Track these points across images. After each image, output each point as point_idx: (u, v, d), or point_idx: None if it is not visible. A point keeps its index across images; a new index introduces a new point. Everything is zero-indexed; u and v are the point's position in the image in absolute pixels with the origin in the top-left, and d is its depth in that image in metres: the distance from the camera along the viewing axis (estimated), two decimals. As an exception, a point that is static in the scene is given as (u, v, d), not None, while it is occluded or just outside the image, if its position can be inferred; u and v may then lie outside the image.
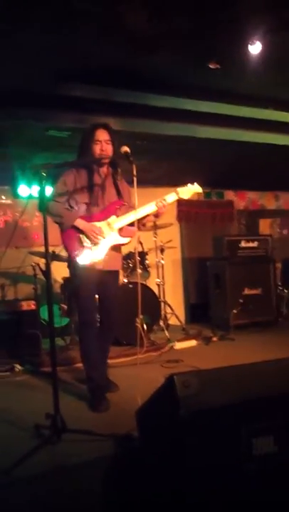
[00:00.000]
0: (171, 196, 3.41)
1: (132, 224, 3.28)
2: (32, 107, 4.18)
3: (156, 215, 3.42)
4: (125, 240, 3.34)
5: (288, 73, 4.25)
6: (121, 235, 3.32)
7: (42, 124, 4.49)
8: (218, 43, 3.66)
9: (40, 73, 3.87)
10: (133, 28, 3.35)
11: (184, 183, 3.51)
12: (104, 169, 3.35)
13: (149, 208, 3.33)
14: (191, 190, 3.48)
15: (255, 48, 3.62)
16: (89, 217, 3.25)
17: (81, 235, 3.21)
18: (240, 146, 5.50)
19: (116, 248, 3.36)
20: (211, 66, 4.00)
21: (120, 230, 3.32)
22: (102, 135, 3.25)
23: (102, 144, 3.23)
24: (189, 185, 3.50)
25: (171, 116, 4.75)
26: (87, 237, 3.21)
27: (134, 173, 3.06)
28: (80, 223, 3.20)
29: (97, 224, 3.25)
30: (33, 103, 4.12)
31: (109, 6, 3.08)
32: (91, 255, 3.20)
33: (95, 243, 3.21)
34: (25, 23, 3.17)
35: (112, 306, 3.43)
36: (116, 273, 3.45)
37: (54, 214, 3.21)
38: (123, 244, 3.38)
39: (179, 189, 3.46)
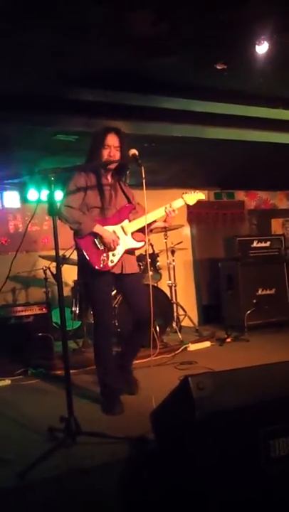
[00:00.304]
0: (177, 202, 3.46)
1: (141, 229, 3.30)
2: (40, 112, 4.19)
3: (166, 220, 3.44)
4: (139, 244, 3.37)
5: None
6: (135, 239, 3.35)
7: (50, 129, 4.50)
8: (224, 43, 3.65)
9: (47, 77, 3.88)
10: (140, 30, 3.35)
11: (193, 185, 3.55)
12: (110, 174, 3.36)
13: (158, 213, 3.37)
14: (195, 197, 3.55)
15: (262, 48, 3.61)
16: (102, 221, 3.24)
17: (96, 239, 3.20)
18: (250, 146, 5.47)
19: (130, 252, 3.37)
20: (218, 67, 3.99)
21: (132, 234, 3.34)
22: (112, 140, 3.23)
23: (111, 150, 3.22)
24: (193, 192, 3.57)
25: (179, 118, 4.74)
26: (104, 242, 3.20)
27: (143, 175, 3.07)
28: (98, 229, 3.19)
29: (111, 228, 3.25)
30: (41, 107, 4.13)
31: (117, 9, 3.08)
32: (107, 259, 3.20)
33: (111, 249, 3.22)
34: (33, 28, 3.19)
35: (142, 309, 3.27)
36: (136, 275, 3.44)
37: (71, 221, 3.18)
38: (137, 248, 3.40)
39: (185, 195, 3.52)
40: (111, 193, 3.30)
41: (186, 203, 3.52)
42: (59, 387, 3.73)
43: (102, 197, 3.25)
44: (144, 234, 3.24)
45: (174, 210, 3.37)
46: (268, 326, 5.99)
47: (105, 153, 3.22)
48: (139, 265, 5.42)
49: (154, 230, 3.64)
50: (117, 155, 3.23)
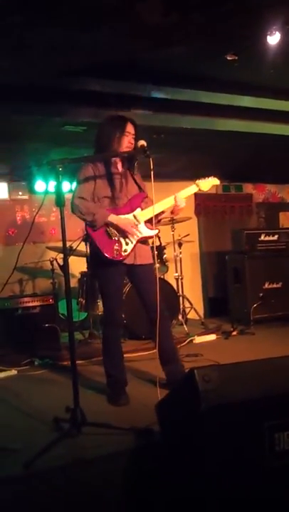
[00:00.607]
0: (190, 189, 3.40)
1: (149, 220, 3.24)
2: (48, 102, 4.18)
3: (173, 211, 3.38)
4: (154, 232, 3.29)
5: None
6: (148, 227, 3.26)
7: (58, 119, 4.49)
8: (235, 34, 3.60)
9: (55, 68, 3.87)
10: (149, 21, 3.32)
11: (201, 177, 3.50)
12: (121, 163, 3.30)
13: (168, 202, 3.30)
14: (210, 182, 3.48)
15: (273, 39, 3.56)
16: (114, 211, 3.17)
17: (108, 229, 3.14)
18: (259, 138, 5.43)
19: (144, 241, 3.30)
20: (228, 58, 3.95)
21: (147, 222, 3.26)
22: (130, 128, 3.19)
23: (130, 138, 3.18)
24: (208, 177, 3.50)
25: (189, 109, 4.70)
26: (120, 231, 3.14)
27: (152, 167, 3.04)
28: (113, 219, 3.13)
29: (124, 217, 3.19)
30: (49, 98, 4.12)
31: (126, 0, 3.05)
32: (120, 248, 3.15)
33: (129, 237, 3.16)
34: (41, 18, 3.17)
35: (154, 301, 3.12)
36: (150, 266, 3.31)
37: (84, 212, 3.12)
38: (151, 237, 3.32)
39: (199, 181, 3.45)
40: (122, 182, 3.24)
41: (200, 189, 3.45)
42: (65, 377, 3.75)
43: (112, 186, 3.19)
44: (169, 220, 3.18)
45: (178, 205, 3.31)
46: (274, 319, 5.98)
47: (126, 140, 3.16)
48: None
49: (162, 220, 3.57)
50: (133, 143, 3.18)
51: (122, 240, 3.16)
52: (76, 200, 3.12)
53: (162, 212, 3.34)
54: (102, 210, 3.17)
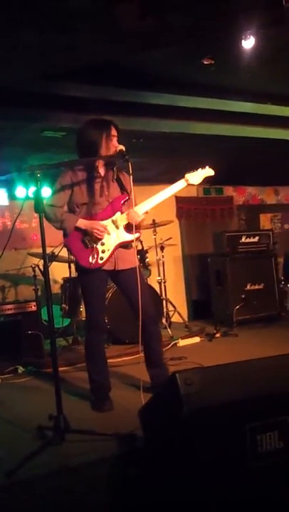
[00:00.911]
0: (179, 184, 3.24)
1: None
2: (27, 108, 4.16)
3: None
4: (132, 237, 3.16)
5: (283, 67, 4.23)
6: (128, 232, 3.17)
7: (37, 125, 4.47)
8: (211, 38, 3.63)
9: (34, 73, 3.85)
10: (126, 25, 3.33)
11: (190, 170, 3.28)
12: (104, 166, 3.25)
13: (151, 202, 3.21)
14: (201, 175, 3.27)
15: (248, 43, 3.60)
16: (91, 218, 3.14)
17: (85, 237, 3.12)
18: (238, 142, 5.48)
19: (126, 245, 3.21)
20: (205, 62, 3.99)
21: (126, 226, 3.17)
22: (114, 131, 3.17)
23: (115, 140, 3.15)
24: (200, 169, 3.28)
25: (167, 114, 4.72)
26: (91, 236, 3.10)
27: (131, 171, 3.04)
28: (81, 223, 3.11)
29: (101, 223, 3.13)
30: (28, 103, 4.10)
31: (103, 3, 3.06)
32: (96, 256, 3.11)
33: (100, 241, 3.10)
34: (19, 23, 3.16)
35: (142, 304, 3.03)
36: (133, 270, 3.16)
37: (53, 220, 3.12)
38: (130, 241, 3.20)
39: (188, 175, 3.25)
40: (102, 185, 3.18)
41: (188, 184, 3.24)
42: (49, 384, 3.72)
43: (90, 192, 3.15)
44: (151, 223, 3.07)
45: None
46: (256, 321, 6.02)
47: (114, 143, 3.13)
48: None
49: (141, 224, 3.38)
50: (117, 145, 3.14)
51: (98, 247, 3.12)
52: (46, 208, 3.05)
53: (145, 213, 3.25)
54: (71, 216, 3.15)
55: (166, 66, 4.05)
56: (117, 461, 2.24)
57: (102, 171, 3.25)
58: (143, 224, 3.40)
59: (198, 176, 3.26)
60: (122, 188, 3.23)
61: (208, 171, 3.30)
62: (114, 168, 3.21)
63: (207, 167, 3.30)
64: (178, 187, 3.24)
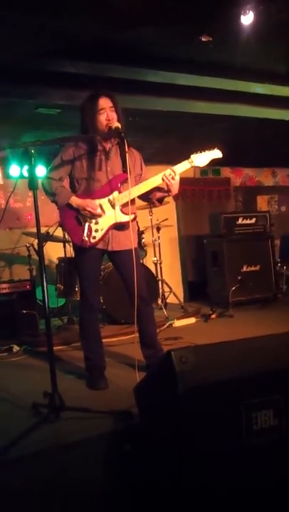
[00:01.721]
0: (182, 165, 3.08)
1: (133, 201, 3.10)
2: (20, 84, 4.10)
3: (168, 189, 3.12)
4: (127, 218, 3.07)
5: (282, 45, 4.17)
6: (124, 212, 3.08)
7: (31, 102, 4.41)
8: (209, 14, 3.56)
9: (28, 49, 3.79)
10: (122, 1, 3.25)
11: (178, 161, 3.12)
12: (109, 140, 3.13)
13: (153, 181, 3.09)
14: (208, 157, 3.10)
15: (247, 19, 3.53)
16: (89, 195, 3.08)
17: (79, 214, 3.07)
18: (236, 122, 5.43)
19: (122, 226, 3.10)
20: (203, 39, 3.91)
21: (124, 206, 3.08)
22: (105, 103, 3.03)
23: (107, 112, 3.02)
24: (206, 150, 3.10)
25: (164, 92, 4.67)
26: (84, 214, 3.06)
27: (126, 149, 2.98)
28: (74, 201, 3.06)
29: (98, 201, 3.07)
30: (22, 80, 4.04)
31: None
32: (89, 235, 3.06)
33: (94, 220, 3.05)
34: (12, 1, 3.08)
35: (135, 286, 3.02)
36: (129, 252, 3.10)
37: (48, 192, 3.11)
38: (126, 223, 3.10)
39: (194, 156, 3.07)
40: (101, 158, 3.09)
41: (192, 166, 3.08)
42: (44, 363, 3.69)
43: (90, 166, 3.08)
44: (148, 204, 2.91)
45: (172, 178, 3.01)
46: (252, 302, 6.03)
47: (102, 117, 3.02)
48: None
49: (154, 199, 3.29)
50: (114, 116, 3.03)
51: (92, 226, 3.07)
52: (44, 180, 3.05)
53: (153, 191, 3.16)
54: (66, 191, 3.12)
55: (163, 43, 3.99)
56: (112, 438, 2.25)
57: (106, 144, 3.13)
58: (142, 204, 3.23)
59: (204, 158, 3.09)
60: (124, 167, 3.06)
61: (216, 153, 3.12)
62: (113, 146, 3.12)
63: (215, 148, 3.11)
64: (182, 168, 3.08)
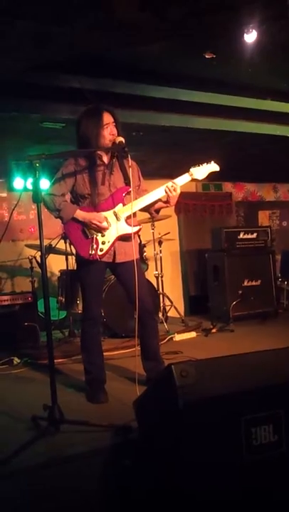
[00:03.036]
0: (183, 178, 3.16)
1: (135, 213, 3.13)
2: (26, 98, 4.15)
3: (167, 201, 3.19)
4: (133, 230, 3.12)
5: (284, 63, 4.22)
6: (128, 224, 3.13)
7: (36, 116, 4.46)
8: (213, 31, 3.62)
9: (33, 64, 3.83)
10: (127, 16, 3.31)
11: (196, 164, 3.21)
12: (108, 154, 3.18)
13: (157, 194, 3.15)
14: (206, 170, 3.21)
15: (250, 37, 3.59)
16: (93, 209, 3.10)
17: (85, 228, 3.08)
18: (238, 137, 5.47)
19: (126, 238, 3.15)
20: (206, 56, 3.97)
21: (128, 218, 3.13)
22: (108, 118, 3.08)
23: (110, 127, 3.07)
24: (205, 164, 3.22)
25: (167, 107, 4.72)
26: (90, 228, 3.08)
27: (129, 164, 3.03)
28: (79, 214, 3.08)
29: (103, 214, 3.08)
30: (27, 94, 4.09)
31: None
32: (96, 248, 3.08)
33: (100, 232, 3.07)
34: (20, 14, 3.13)
35: (140, 297, 3.10)
36: (131, 263, 3.11)
37: (51, 208, 3.10)
38: (130, 234, 3.15)
39: (193, 169, 3.17)
40: (104, 172, 3.13)
41: (192, 179, 3.16)
42: (44, 376, 3.69)
43: (93, 182, 3.11)
44: (149, 218, 2.96)
45: (174, 189, 3.09)
46: (253, 316, 6.02)
47: (106, 132, 3.06)
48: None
49: (154, 209, 3.34)
50: (115, 131, 3.08)
51: (99, 239, 3.09)
52: (46, 196, 3.05)
53: (155, 202, 3.21)
54: (70, 205, 3.13)
55: (167, 59, 4.04)
56: (112, 452, 2.24)
57: (105, 159, 3.18)
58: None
59: (203, 171, 3.20)
60: (126, 179, 3.15)
61: (214, 166, 3.24)
62: (114, 159, 3.16)
63: (212, 162, 3.24)
64: (182, 181, 3.17)
